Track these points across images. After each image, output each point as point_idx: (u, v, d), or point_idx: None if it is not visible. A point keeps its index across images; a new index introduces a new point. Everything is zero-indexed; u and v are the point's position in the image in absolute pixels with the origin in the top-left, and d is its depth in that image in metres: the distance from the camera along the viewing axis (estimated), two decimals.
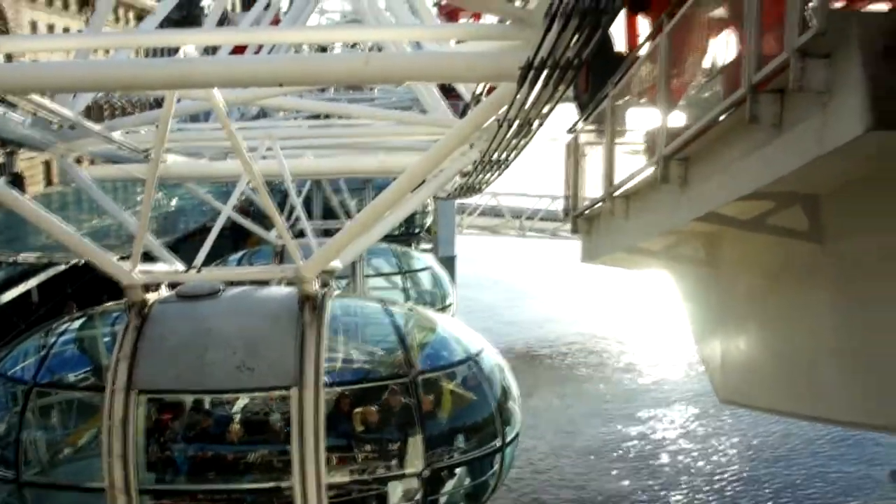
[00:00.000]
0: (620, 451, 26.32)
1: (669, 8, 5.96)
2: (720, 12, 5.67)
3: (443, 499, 10.91)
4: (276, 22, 27.05)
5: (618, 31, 8.48)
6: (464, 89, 14.95)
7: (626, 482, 23.81)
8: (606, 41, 7.06)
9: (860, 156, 4.13)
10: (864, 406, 5.92)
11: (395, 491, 10.69)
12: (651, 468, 24.91)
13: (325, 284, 11.02)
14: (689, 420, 28.96)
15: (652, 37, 6.56)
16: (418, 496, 10.48)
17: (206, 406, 10.82)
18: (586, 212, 9.16)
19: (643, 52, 7.00)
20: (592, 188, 9.09)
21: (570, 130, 9.52)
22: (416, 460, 10.43)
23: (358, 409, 10.78)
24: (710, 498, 22.34)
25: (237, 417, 10.77)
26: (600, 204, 8.42)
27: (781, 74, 4.25)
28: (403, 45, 14.46)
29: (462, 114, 15.45)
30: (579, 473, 24.38)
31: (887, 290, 5.26)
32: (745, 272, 7.61)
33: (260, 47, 18.46)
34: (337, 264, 11.66)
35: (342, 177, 23.92)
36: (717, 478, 23.79)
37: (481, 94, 12.30)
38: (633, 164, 7.60)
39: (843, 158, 3.92)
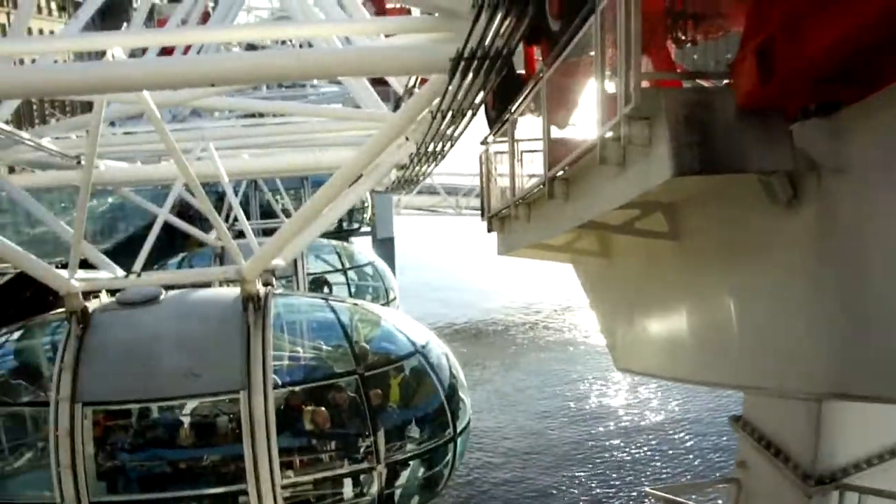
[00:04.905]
0: (565, 416, 27.34)
1: (551, 57, 6.43)
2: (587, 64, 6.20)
3: (398, 491, 10.92)
4: (204, 19, 26.80)
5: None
6: (396, 82, 14.88)
7: (574, 441, 24.81)
8: (510, 66, 7.45)
9: (678, 187, 5.29)
10: (723, 369, 7.01)
11: (351, 487, 10.69)
12: (597, 426, 25.99)
13: (267, 284, 10.95)
14: (630, 384, 29.80)
15: (536, 79, 7.06)
16: (374, 491, 10.47)
17: (154, 414, 10.64)
18: (497, 214, 9.81)
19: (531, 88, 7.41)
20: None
21: (483, 143, 9.93)
22: (369, 456, 10.41)
23: (308, 409, 10.72)
24: (655, 454, 23.17)
25: (187, 423, 10.58)
26: (507, 209, 9.07)
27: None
28: (334, 41, 14.41)
29: (395, 107, 15.41)
30: (530, 434, 25.22)
31: (724, 277, 6.46)
32: (630, 262, 8.66)
33: (188, 46, 18.21)
34: (279, 262, 11.57)
35: (279, 175, 23.67)
36: (659, 436, 24.82)
37: (414, 86, 12.27)
38: (537, 169, 8.08)
39: (668, 187, 4.87)
